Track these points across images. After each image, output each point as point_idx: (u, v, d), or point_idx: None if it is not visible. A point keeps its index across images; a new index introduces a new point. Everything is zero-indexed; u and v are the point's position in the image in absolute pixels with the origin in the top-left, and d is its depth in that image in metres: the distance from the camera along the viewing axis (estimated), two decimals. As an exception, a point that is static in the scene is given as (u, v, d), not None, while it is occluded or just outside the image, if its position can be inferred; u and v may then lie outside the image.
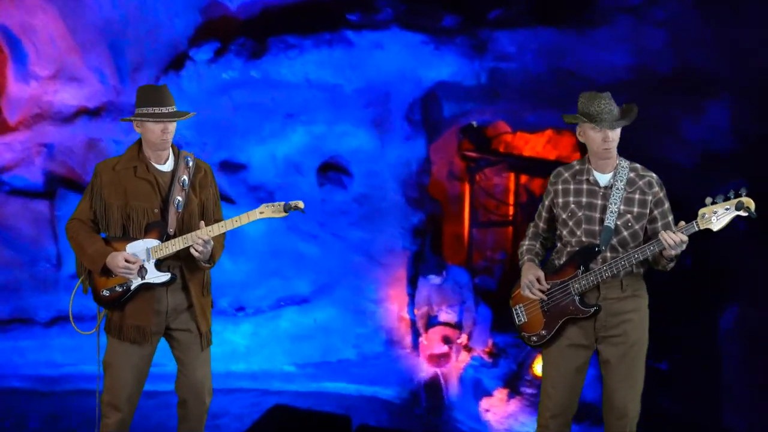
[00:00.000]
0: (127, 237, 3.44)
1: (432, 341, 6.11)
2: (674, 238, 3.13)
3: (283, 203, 3.39)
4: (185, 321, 3.49)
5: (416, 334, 6.27)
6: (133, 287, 3.41)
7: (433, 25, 5.88)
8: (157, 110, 3.39)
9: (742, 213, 3.10)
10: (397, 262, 6.43)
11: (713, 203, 3.12)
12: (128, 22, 6.65)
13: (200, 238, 3.34)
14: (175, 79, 6.23)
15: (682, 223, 3.15)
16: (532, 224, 3.58)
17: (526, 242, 3.53)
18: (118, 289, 3.41)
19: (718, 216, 3.10)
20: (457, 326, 6.11)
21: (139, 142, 3.53)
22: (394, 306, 6.37)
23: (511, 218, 7.67)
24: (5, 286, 6.78)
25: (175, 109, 3.43)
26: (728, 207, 3.10)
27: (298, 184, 6.58)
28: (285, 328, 6.30)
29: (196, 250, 3.35)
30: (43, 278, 6.80)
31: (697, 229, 3.13)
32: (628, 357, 3.28)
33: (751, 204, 3.08)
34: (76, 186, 7.00)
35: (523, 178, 7.61)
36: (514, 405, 5.85)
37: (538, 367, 5.88)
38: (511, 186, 7.66)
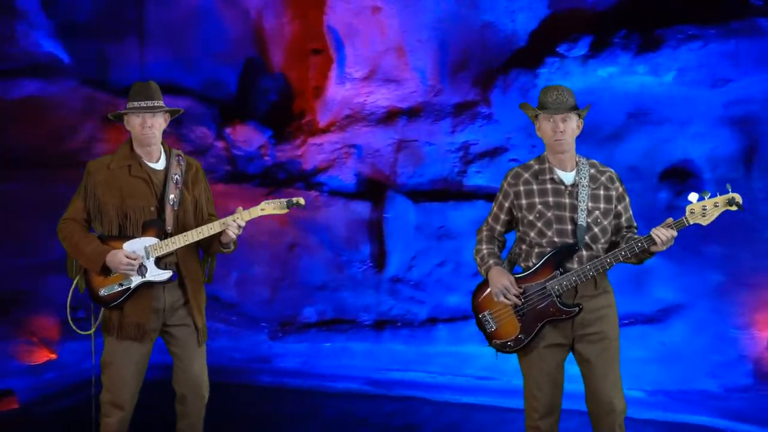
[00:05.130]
0: (124, 235, 3.45)
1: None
2: (666, 234, 3.15)
3: (285, 200, 3.46)
4: (182, 317, 3.53)
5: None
6: (133, 285, 3.42)
7: None
8: (136, 104, 3.44)
9: (733, 208, 3.15)
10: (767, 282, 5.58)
11: (700, 199, 3.16)
12: (461, 18, 6.48)
13: (236, 223, 3.41)
14: (529, 77, 5.87)
15: (671, 219, 3.17)
16: (485, 227, 3.50)
17: (484, 246, 3.45)
18: (118, 288, 3.43)
19: (706, 211, 3.15)
20: None
21: (131, 141, 3.54)
22: (765, 333, 5.53)
23: None
24: (325, 286, 6.86)
25: (157, 104, 3.45)
26: (717, 203, 3.15)
27: (637, 189, 5.98)
28: (629, 349, 5.66)
29: (229, 234, 3.43)
30: (361, 279, 6.79)
31: (686, 224, 3.17)
32: (607, 353, 3.28)
33: (739, 199, 3.15)
34: (384, 187, 6.94)
35: None
36: None
37: None
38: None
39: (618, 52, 5.59)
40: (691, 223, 3.18)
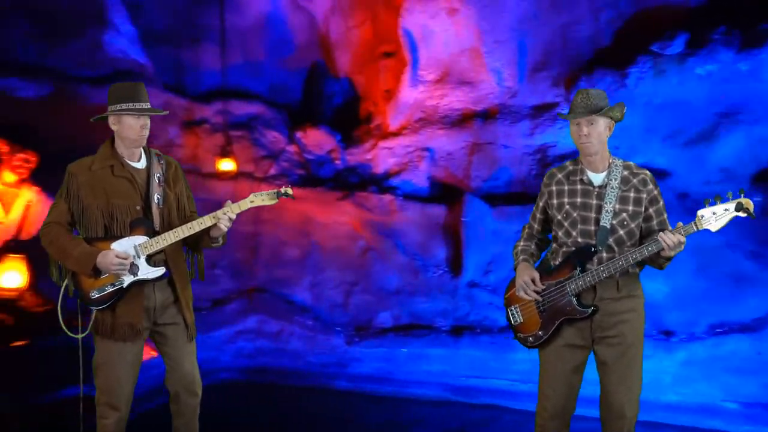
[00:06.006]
0: (110, 236, 3.40)
1: None
2: (672, 239, 3.12)
3: (275, 191, 3.49)
4: (172, 315, 3.51)
5: None
6: (126, 285, 3.39)
7: None
8: (137, 105, 3.40)
9: (742, 214, 3.12)
10: None
11: (711, 204, 3.13)
12: (540, 18, 6.33)
13: (226, 216, 3.43)
14: (617, 76, 5.65)
15: (680, 223, 3.14)
16: (526, 226, 3.56)
17: (521, 243, 3.51)
18: (110, 288, 3.39)
19: (717, 217, 3.11)
20: None
21: (111, 141, 3.50)
22: None
23: None
24: (400, 290, 6.76)
25: (150, 106, 3.45)
26: (727, 208, 3.11)
27: (726, 192, 5.74)
28: (723, 359, 5.45)
29: (220, 228, 3.45)
30: (437, 284, 6.68)
31: (695, 229, 3.14)
32: (625, 358, 3.24)
33: (750, 205, 3.12)
34: (459, 191, 6.82)
35: None
36: None
37: None
38: None
39: (719, 49, 5.37)
40: (701, 228, 3.14)
